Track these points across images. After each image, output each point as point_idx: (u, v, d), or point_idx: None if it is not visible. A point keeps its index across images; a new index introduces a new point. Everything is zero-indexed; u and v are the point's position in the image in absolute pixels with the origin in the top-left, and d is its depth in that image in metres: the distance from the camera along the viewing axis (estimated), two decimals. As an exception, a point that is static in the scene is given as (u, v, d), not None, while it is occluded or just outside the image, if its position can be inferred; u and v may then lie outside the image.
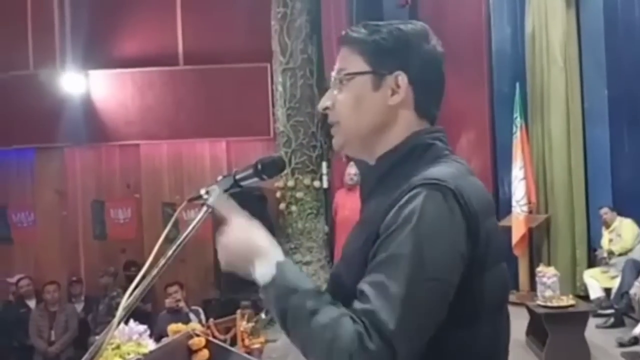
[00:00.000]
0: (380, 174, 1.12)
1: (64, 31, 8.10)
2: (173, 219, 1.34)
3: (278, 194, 7.29)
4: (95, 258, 8.08)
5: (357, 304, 0.97)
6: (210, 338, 2.15)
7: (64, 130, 7.78)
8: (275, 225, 7.53)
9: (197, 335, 2.07)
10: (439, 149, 1.10)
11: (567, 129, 7.01)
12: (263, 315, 6.60)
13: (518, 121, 6.93)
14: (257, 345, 5.03)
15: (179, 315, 5.81)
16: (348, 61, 1.13)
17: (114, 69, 7.98)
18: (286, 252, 7.22)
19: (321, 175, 7.23)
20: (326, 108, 1.16)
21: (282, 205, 7.36)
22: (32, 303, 7.27)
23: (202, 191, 1.23)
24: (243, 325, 4.98)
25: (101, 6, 7.92)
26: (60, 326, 6.80)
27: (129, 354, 2.05)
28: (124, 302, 1.12)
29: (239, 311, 5.25)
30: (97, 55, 7.95)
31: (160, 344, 2.16)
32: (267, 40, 7.42)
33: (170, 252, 1.17)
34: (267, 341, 5.76)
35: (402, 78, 1.10)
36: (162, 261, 1.20)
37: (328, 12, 7.30)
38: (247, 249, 1.11)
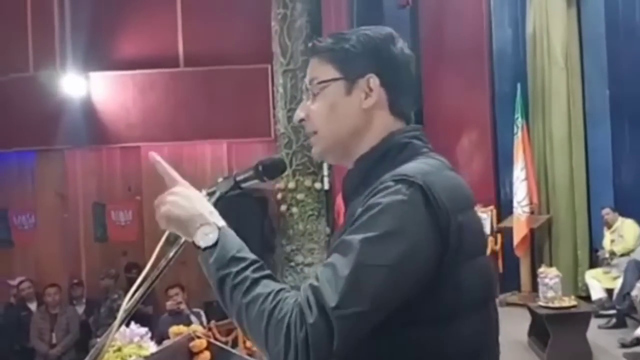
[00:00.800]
0: (359, 176, 1.12)
1: (64, 33, 8.10)
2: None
3: (279, 196, 7.27)
4: (96, 260, 8.07)
5: (306, 282, 0.98)
6: (212, 340, 2.14)
7: (64, 133, 7.77)
8: (276, 227, 7.52)
9: (199, 338, 2.06)
10: (415, 147, 1.11)
11: (568, 130, 7.00)
12: (264, 317, 6.63)
13: (519, 122, 6.93)
14: (228, 349, 5.02)
15: (180, 318, 5.81)
16: (319, 71, 1.14)
17: (114, 70, 7.98)
18: (287, 254, 7.26)
19: (322, 176, 7.21)
20: (302, 120, 1.17)
21: (283, 207, 7.34)
22: (33, 306, 7.26)
23: (203, 193, 1.22)
24: (244, 327, 4.99)
25: (101, 8, 7.92)
26: (62, 329, 6.79)
27: (130, 356, 2.04)
28: (125, 304, 1.12)
29: (240, 313, 5.26)
30: (98, 57, 7.95)
31: (161, 347, 2.15)
32: (267, 42, 7.41)
33: (171, 255, 1.17)
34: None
35: (374, 80, 1.11)
36: (162, 263, 1.18)
37: (329, 13, 7.30)
38: (191, 214, 1.12)
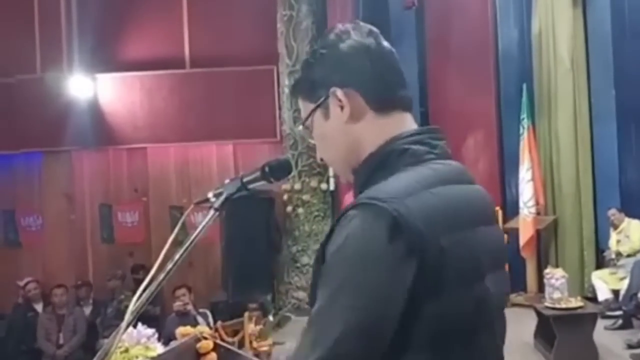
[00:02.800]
0: (359, 186, 1.07)
1: (71, 35, 8.14)
2: (180, 222, 1.34)
3: (285, 197, 7.30)
4: (103, 261, 8.11)
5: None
6: (218, 341, 2.15)
7: (71, 134, 7.81)
8: (282, 228, 7.55)
9: (205, 339, 2.06)
10: (415, 154, 1.04)
11: (574, 130, 6.99)
12: (271, 318, 6.62)
13: (525, 122, 6.92)
14: (264, 348, 5.04)
15: (187, 318, 5.83)
16: (302, 109, 1.15)
17: (121, 72, 8.01)
18: (293, 255, 7.28)
19: (328, 177, 7.24)
20: (322, 159, 1.17)
21: (289, 208, 7.38)
22: (39, 306, 7.29)
23: (210, 194, 1.23)
24: (251, 327, 4.98)
25: (108, 10, 7.96)
26: (69, 329, 6.81)
27: (137, 357, 2.05)
28: (132, 305, 1.12)
29: (246, 314, 5.26)
30: (104, 58, 7.99)
31: (168, 348, 2.16)
32: (273, 43, 7.45)
33: (178, 256, 1.17)
34: (274, 344, 5.76)
35: (339, 92, 1.07)
36: (170, 264, 1.17)
37: (334, 15, 7.31)
38: None
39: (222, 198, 1.20)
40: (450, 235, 0.95)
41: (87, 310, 7.28)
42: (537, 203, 6.86)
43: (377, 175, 1.04)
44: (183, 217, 1.34)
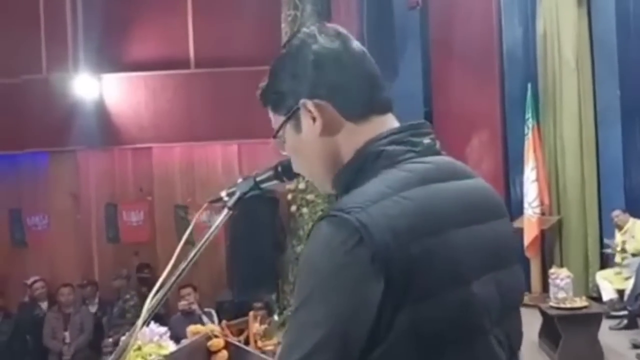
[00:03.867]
0: (341, 191, 1.02)
1: (77, 35, 8.17)
2: (194, 221, 1.35)
3: (289, 197, 7.30)
4: (108, 261, 8.14)
5: None
6: (229, 339, 2.16)
7: (77, 134, 7.83)
8: (286, 228, 7.56)
9: (216, 337, 2.08)
10: (391, 155, 0.98)
11: (579, 130, 6.98)
12: (276, 317, 6.63)
13: (530, 122, 6.92)
14: (270, 347, 5.04)
15: (192, 318, 5.85)
16: (272, 120, 1.09)
17: (126, 72, 8.04)
18: (297, 254, 7.27)
19: (333, 177, 7.24)
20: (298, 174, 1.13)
21: (294, 208, 7.37)
22: (44, 305, 7.34)
23: (223, 193, 1.23)
24: (256, 327, 5.00)
25: (113, 10, 7.98)
26: (75, 328, 6.86)
27: (150, 355, 2.06)
28: (148, 303, 1.12)
29: (251, 313, 5.27)
30: (110, 58, 8.01)
31: (179, 346, 2.18)
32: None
33: (192, 254, 1.16)
34: (280, 343, 5.79)
35: (309, 103, 1.01)
36: (184, 263, 1.17)
37: (339, 15, 7.31)
38: None
39: (235, 197, 1.20)
40: (423, 241, 0.90)
41: (93, 309, 7.32)
42: (541, 203, 6.86)
43: (354, 183, 0.98)
44: (196, 216, 1.34)
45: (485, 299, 0.95)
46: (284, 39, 7.37)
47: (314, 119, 1.01)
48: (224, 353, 2.12)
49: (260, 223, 7.13)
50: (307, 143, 1.03)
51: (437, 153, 1.03)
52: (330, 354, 0.87)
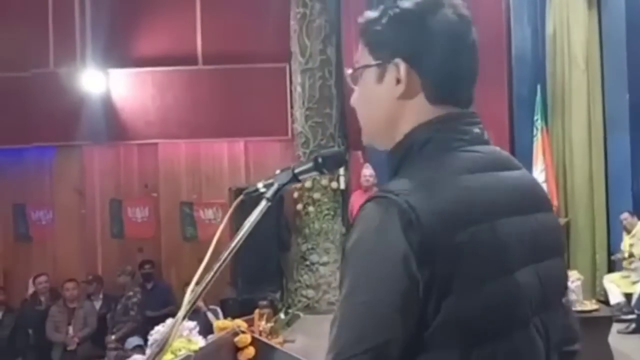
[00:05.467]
0: (392, 172, 1.03)
1: (85, 29, 8.14)
2: (230, 211, 1.30)
3: (295, 195, 7.29)
4: (112, 256, 8.11)
5: None
6: (256, 335, 2.14)
7: (83, 129, 7.81)
8: (292, 226, 7.54)
9: (243, 332, 2.05)
10: (439, 143, 0.99)
11: (588, 132, 6.96)
12: (282, 315, 6.61)
13: (539, 123, 6.89)
14: (273, 345, 5.02)
15: (197, 315, 5.82)
16: (360, 54, 1.07)
17: (133, 67, 8.01)
18: (303, 253, 7.24)
19: (339, 176, 7.22)
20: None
21: (300, 206, 7.37)
22: (46, 300, 7.32)
23: (260, 185, 1.20)
24: (261, 325, 4.98)
25: (122, 5, 7.95)
26: (79, 322, 6.86)
27: (180, 350, 2.03)
28: (187, 296, 1.12)
29: (256, 311, 5.24)
30: (117, 53, 7.98)
31: (207, 341, 2.16)
32: (286, 41, 7.44)
33: (231, 247, 1.15)
34: (285, 341, 5.74)
35: (403, 66, 1.00)
36: (223, 255, 1.15)
37: (348, 13, 7.30)
38: None
39: (273, 188, 1.17)
40: (470, 229, 0.91)
41: (98, 304, 7.29)
42: (550, 205, 6.84)
43: (405, 164, 1.01)
44: (232, 209, 1.28)
45: (527, 289, 0.96)
46: (293, 36, 7.38)
47: (398, 81, 1.01)
48: (251, 349, 2.10)
49: (265, 221, 7.07)
50: (379, 97, 1.04)
51: (486, 142, 1.04)
52: (384, 336, 0.87)
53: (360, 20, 1.08)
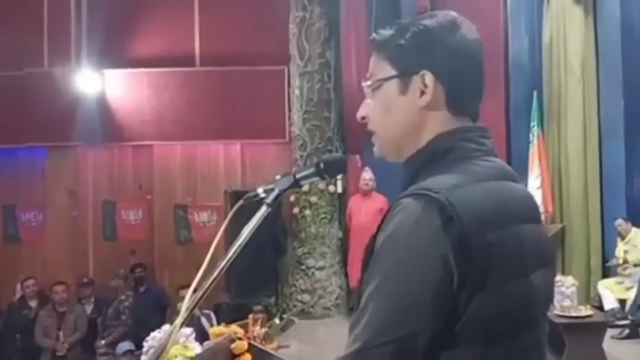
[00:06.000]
0: (407, 179, 1.08)
1: (80, 29, 8.07)
2: (230, 217, 1.29)
3: (292, 198, 7.26)
4: (104, 259, 8.01)
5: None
6: (253, 342, 2.12)
7: (77, 129, 7.74)
8: (288, 230, 7.50)
9: (240, 339, 2.03)
10: (462, 152, 1.05)
11: (583, 139, 7.00)
12: (276, 321, 6.57)
13: (535, 130, 6.93)
14: (270, 351, 4.98)
15: (190, 319, 5.74)
16: (376, 67, 1.12)
17: (129, 68, 7.96)
18: (298, 257, 7.22)
19: (336, 180, 7.20)
20: (364, 118, 1.15)
21: (296, 210, 7.33)
22: (34, 304, 7.20)
23: (260, 190, 1.20)
24: (256, 330, 4.93)
25: (118, 5, 7.90)
26: (69, 327, 6.72)
27: (175, 357, 2.01)
28: (186, 303, 1.11)
29: (251, 316, 5.20)
30: (113, 54, 7.92)
31: (203, 348, 2.12)
32: (285, 44, 7.42)
33: (229, 255, 1.14)
34: (280, 347, 5.70)
35: (429, 77, 1.06)
36: (221, 263, 1.15)
37: (347, 17, 7.29)
38: None
39: (274, 194, 1.18)
40: (498, 230, 0.96)
41: (89, 308, 7.19)
42: (545, 211, 6.85)
43: (426, 169, 1.05)
44: (231, 213, 1.27)
45: (539, 292, 1.03)
46: (292, 39, 7.36)
47: (422, 92, 1.07)
48: (248, 356, 2.07)
49: (261, 224, 7.06)
50: (402, 107, 1.09)
51: (496, 155, 1.11)
52: (415, 328, 0.90)
53: (377, 35, 1.13)
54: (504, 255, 0.96)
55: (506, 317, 0.96)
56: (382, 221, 0.99)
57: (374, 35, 1.14)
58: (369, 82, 1.13)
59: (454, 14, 1.12)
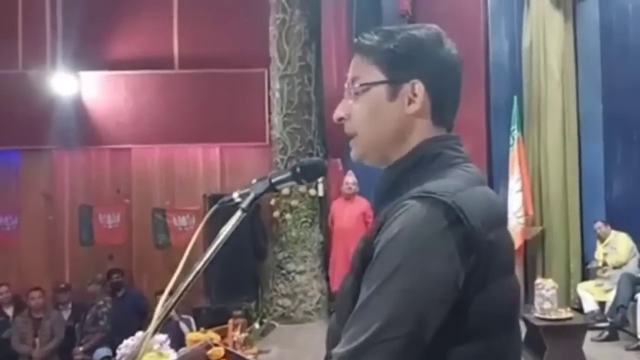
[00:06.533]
0: (388, 184, 1.10)
1: (56, 30, 7.94)
2: (204, 221, 1.27)
3: (272, 202, 7.19)
4: (81, 264, 7.88)
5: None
6: (230, 348, 2.07)
7: (53, 133, 7.62)
8: (268, 234, 7.43)
9: (216, 345, 1.99)
10: (447, 158, 1.08)
11: (562, 143, 7.06)
12: (257, 325, 6.49)
13: (515, 134, 6.96)
14: (250, 356, 4.92)
15: (169, 324, 5.69)
16: (362, 71, 1.11)
17: (106, 70, 7.84)
18: (279, 261, 7.16)
19: (317, 183, 7.15)
20: (341, 119, 1.14)
21: (276, 213, 7.27)
22: (9, 311, 7.06)
23: (235, 195, 1.17)
24: (235, 335, 4.85)
25: (95, 6, 7.77)
26: (46, 333, 6.64)
27: (150, 364, 1.95)
28: (158, 311, 1.08)
29: (231, 320, 5.12)
30: (89, 56, 7.80)
31: (179, 354, 2.07)
32: (265, 46, 7.36)
33: (203, 260, 1.11)
34: (260, 352, 5.64)
35: (419, 86, 1.08)
36: (196, 267, 1.11)
37: (328, 20, 7.26)
38: None
39: (249, 198, 1.15)
40: (495, 231, 1.01)
41: (66, 314, 7.07)
42: (526, 214, 6.88)
43: (410, 176, 1.06)
44: (205, 219, 1.23)
45: (518, 290, 1.10)
46: (272, 42, 7.31)
47: (411, 100, 1.09)
48: (224, 363, 2.03)
49: (240, 228, 6.98)
50: (390, 112, 1.10)
51: (471, 162, 1.14)
52: (411, 325, 0.91)
53: (365, 39, 1.13)
54: (499, 255, 1.00)
55: (501, 312, 1.02)
56: (381, 223, 0.99)
57: (359, 38, 1.14)
58: (356, 85, 1.11)
59: (437, 28, 1.14)
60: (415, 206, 0.96)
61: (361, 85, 1.10)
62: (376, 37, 1.11)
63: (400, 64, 1.08)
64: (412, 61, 1.08)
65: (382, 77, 1.09)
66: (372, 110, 1.10)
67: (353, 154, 1.15)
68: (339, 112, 1.14)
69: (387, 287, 0.92)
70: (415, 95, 1.08)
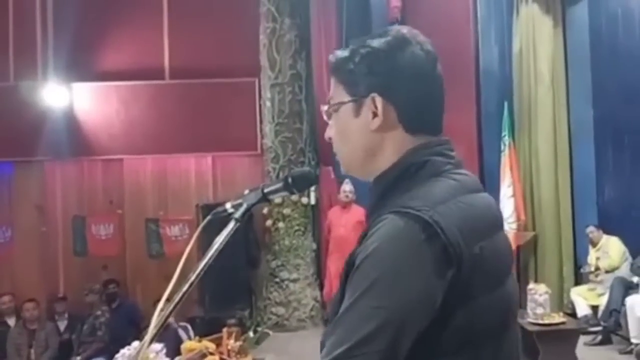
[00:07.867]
0: (376, 196, 1.08)
1: (47, 42, 7.92)
2: (198, 232, 1.29)
3: (265, 210, 7.20)
4: (75, 275, 7.85)
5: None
6: (225, 357, 2.08)
7: (44, 144, 7.59)
8: (261, 242, 7.43)
9: (212, 354, 1.99)
10: (435, 166, 1.05)
11: (553, 148, 7.08)
12: (251, 334, 6.48)
13: (506, 139, 7.00)
14: (244, 364, 4.91)
15: (168, 331, 5.68)
16: (334, 90, 1.13)
17: (98, 81, 7.83)
18: (272, 270, 7.16)
19: (309, 192, 7.16)
20: (330, 138, 1.16)
21: (269, 222, 7.27)
22: (11, 321, 7.05)
23: (228, 205, 1.19)
24: (230, 343, 4.84)
25: (86, 17, 7.77)
26: (40, 345, 6.64)
27: (146, 373, 1.96)
28: (155, 320, 1.09)
29: (225, 329, 5.11)
30: (81, 67, 7.79)
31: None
32: (255, 55, 7.39)
33: (199, 269, 1.13)
34: (254, 360, 5.63)
35: (378, 100, 1.06)
36: (191, 277, 1.13)
37: (318, 28, 7.30)
38: None
39: (242, 209, 1.17)
40: (480, 243, 0.98)
41: (63, 325, 7.04)
42: (518, 219, 6.92)
43: (398, 187, 1.04)
44: (199, 229, 1.23)
45: (513, 297, 1.07)
46: (262, 51, 7.34)
47: (374, 114, 1.07)
48: (219, 372, 2.02)
49: (234, 237, 6.96)
50: (356, 130, 1.09)
51: (463, 167, 1.12)
52: (388, 341, 0.90)
53: (331, 58, 1.13)
54: (486, 266, 0.98)
55: (489, 323, 0.99)
56: (362, 237, 0.98)
57: (330, 57, 1.14)
58: (325, 107, 1.14)
59: (405, 29, 1.11)
60: (393, 220, 0.95)
61: (332, 105, 1.12)
62: (342, 55, 1.11)
63: (358, 80, 1.08)
64: (368, 75, 1.07)
65: (346, 96, 1.10)
66: (342, 130, 1.11)
67: (341, 169, 1.17)
68: (328, 132, 1.16)
69: (362, 302, 0.92)
70: (376, 109, 1.06)
